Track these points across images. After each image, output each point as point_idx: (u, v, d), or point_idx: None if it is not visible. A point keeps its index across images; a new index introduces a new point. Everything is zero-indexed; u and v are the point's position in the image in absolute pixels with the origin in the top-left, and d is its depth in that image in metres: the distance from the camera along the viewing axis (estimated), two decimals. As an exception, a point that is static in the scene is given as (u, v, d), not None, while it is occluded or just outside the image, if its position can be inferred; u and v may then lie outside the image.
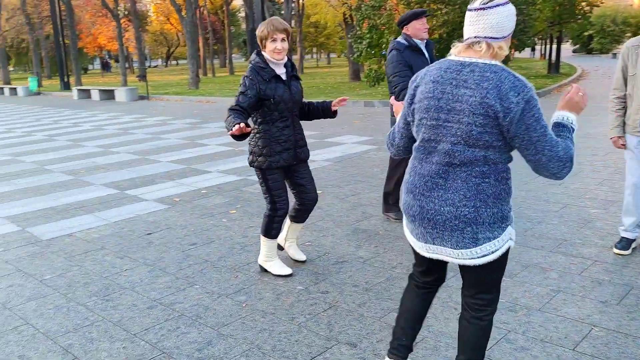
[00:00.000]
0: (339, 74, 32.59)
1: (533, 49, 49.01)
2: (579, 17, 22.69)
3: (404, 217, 2.33)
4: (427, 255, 2.29)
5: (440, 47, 13.71)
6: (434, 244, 2.22)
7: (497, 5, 2.05)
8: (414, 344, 2.58)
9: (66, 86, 30.30)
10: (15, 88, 29.99)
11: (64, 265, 4.30)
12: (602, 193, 5.69)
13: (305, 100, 3.87)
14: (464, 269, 2.26)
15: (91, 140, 11.15)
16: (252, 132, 3.73)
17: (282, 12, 23.55)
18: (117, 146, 10.24)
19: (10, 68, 64.87)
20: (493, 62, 2.08)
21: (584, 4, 22.33)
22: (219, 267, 4.13)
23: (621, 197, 5.41)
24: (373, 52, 15.31)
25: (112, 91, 22.98)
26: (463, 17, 8.76)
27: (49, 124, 14.79)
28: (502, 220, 2.13)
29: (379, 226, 4.94)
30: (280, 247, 4.19)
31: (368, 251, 4.34)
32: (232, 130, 3.11)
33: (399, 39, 4.69)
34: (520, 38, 15.60)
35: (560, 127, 2.17)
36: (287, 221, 4.09)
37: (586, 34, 48.96)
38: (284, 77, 3.68)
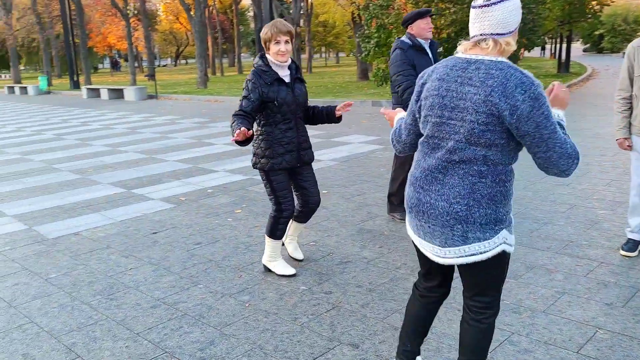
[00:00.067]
0: (347, 73, 32.57)
1: (543, 48, 48.76)
2: (589, 16, 22.54)
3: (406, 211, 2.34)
4: (420, 248, 2.31)
5: (448, 47, 13.66)
6: (424, 239, 2.24)
7: (501, 1, 2.03)
8: (420, 347, 2.58)
9: (76, 85, 30.50)
10: (25, 87, 30.21)
11: (70, 264, 4.32)
12: (609, 194, 5.65)
13: (310, 104, 3.83)
14: (461, 268, 2.25)
15: (99, 139, 11.21)
16: (255, 134, 3.75)
17: (291, 11, 23.54)
18: (125, 145, 10.29)
19: (21, 67, 65.43)
20: (500, 59, 2.06)
21: (594, 2, 22.18)
22: (223, 267, 4.14)
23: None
24: (381, 51, 15.27)
25: (121, 90, 23.10)
26: (471, 16, 8.68)
27: (58, 122, 14.88)
28: (496, 223, 2.10)
29: (384, 226, 4.92)
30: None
31: (372, 251, 4.33)
32: (233, 136, 3.15)
33: (403, 38, 4.67)
34: (529, 37, 15.50)
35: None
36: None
37: (597, 33, 48.65)
38: (287, 79, 3.68)
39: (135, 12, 42.14)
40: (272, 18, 25.87)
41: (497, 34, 2.05)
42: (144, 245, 4.68)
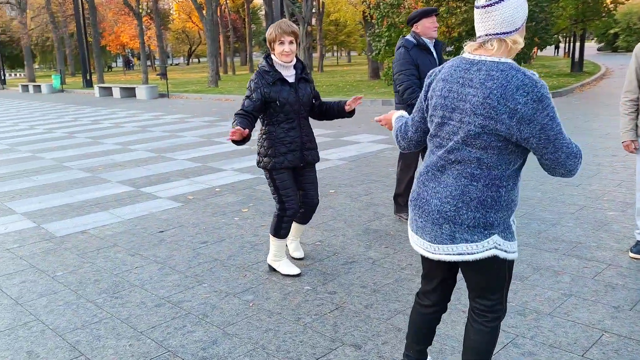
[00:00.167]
0: (358, 72, 32.52)
1: (557, 47, 48.37)
2: (604, 14, 22.30)
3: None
4: (412, 243, 2.31)
5: (459, 46, 13.59)
6: (416, 234, 2.25)
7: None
8: (424, 357, 2.57)
9: (89, 84, 30.74)
10: (39, 85, 30.49)
11: (76, 262, 4.35)
12: (620, 195, 5.58)
13: (322, 99, 3.85)
14: (462, 268, 2.23)
15: (110, 138, 11.28)
16: (259, 133, 3.77)
17: (302, 10, 23.52)
18: (135, 144, 10.34)
19: (36, 66, 66.07)
20: (502, 59, 2.02)
21: (608, 1, 21.94)
22: (228, 266, 4.14)
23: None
24: (392, 50, 15.23)
25: (132, 89, 23.24)
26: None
27: (70, 121, 15.00)
28: (485, 227, 2.08)
29: (390, 226, 4.90)
30: None
31: (378, 252, 4.31)
32: (229, 136, 3.20)
33: (408, 36, 4.65)
34: (542, 36, 15.38)
35: None
36: None
37: (611, 31, 48.15)
38: (291, 79, 3.68)
39: (148, 11, 42.35)
40: (283, 17, 25.84)
41: (503, 33, 2.02)
42: (151, 243, 4.70)
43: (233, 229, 5.01)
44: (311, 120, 12.33)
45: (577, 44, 24.33)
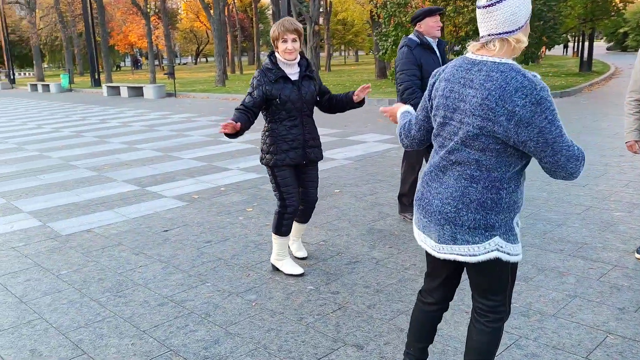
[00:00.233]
0: (365, 71, 32.48)
1: (566, 47, 48.09)
2: (613, 13, 22.14)
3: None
4: (418, 240, 2.31)
5: (466, 45, 13.54)
6: (423, 232, 2.25)
7: None
8: (425, 357, 2.56)
9: (97, 83, 30.88)
10: (48, 85, 30.66)
11: (81, 260, 4.36)
12: (627, 195, 5.54)
13: (332, 93, 3.89)
14: (466, 269, 2.23)
15: (117, 137, 11.32)
16: (262, 130, 3.80)
17: (309, 9, 23.49)
18: (141, 143, 10.38)
19: (45, 65, 66.47)
20: (503, 60, 2.00)
21: (617, 0, 21.78)
22: (232, 265, 4.14)
23: (647, 200, 5.25)
24: (398, 49, 15.21)
25: (140, 88, 23.32)
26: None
27: (78, 120, 15.07)
28: (486, 229, 2.06)
29: (394, 226, 4.89)
30: None
31: (382, 252, 4.30)
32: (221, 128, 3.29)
33: (411, 35, 4.62)
34: (550, 35, 15.29)
35: None
36: None
37: (621, 30, 47.84)
38: (294, 77, 3.69)
39: (156, 10, 42.49)
40: (290, 16, 25.80)
41: (506, 32, 2.00)
42: (155, 242, 4.71)
43: (237, 228, 5.01)
44: (317, 119, 12.33)
45: (586, 43, 24.17)
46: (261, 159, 3.80)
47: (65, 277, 4.05)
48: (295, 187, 3.79)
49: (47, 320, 3.39)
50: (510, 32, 1.99)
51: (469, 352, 2.31)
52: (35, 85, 31.96)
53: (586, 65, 23.88)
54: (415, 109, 4.60)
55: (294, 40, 3.59)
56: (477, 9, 2.06)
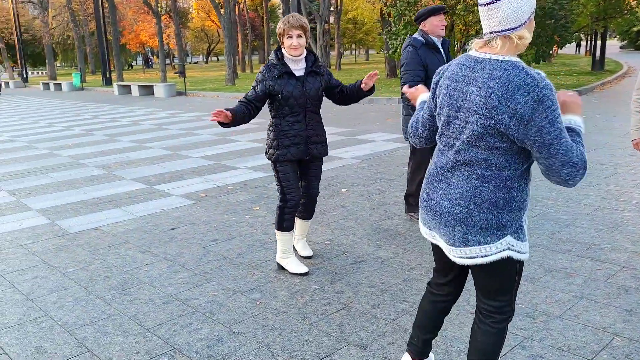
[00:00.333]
0: (376, 70, 32.37)
1: (578, 45, 47.65)
2: (626, 12, 21.91)
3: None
4: (429, 239, 2.30)
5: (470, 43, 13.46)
6: (433, 231, 2.25)
7: None
8: (428, 349, 2.56)
9: (108, 82, 31.06)
10: (60, 83, 30.90)
11: (88, 258, 4.38)
12: (637, 195, 5.47)
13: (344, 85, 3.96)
14: (472, 270, 2.21)
15: (127, 135, 11.38)
16: (268, 125, 3.86)
17: (319, 8, 23.49)
18: (150, 141, 10.42)
19: (57, 64, 66.99)
20: (507, 58, 1.98)
21: (630, -2, 21.56)
22: (237, 264, 4.14)
23: (657, 200, 5.19)
24: (408, 48, 15.14)
25: (151, 87, 23.44)
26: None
27: (88, 118, 15.17)
28: (498, 228, 2.04)
29: (401, 226, 4.87)
30: None
31: (388, 251, 4.28)
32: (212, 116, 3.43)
33: (416, 35, 4.60)
34: (561, 34, 15.15)
35: (570, 131, 2.03)
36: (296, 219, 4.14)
37: (634, 29, 47.32)
38: (299, 73, 3.70)
39: (167, 9, 42.66)
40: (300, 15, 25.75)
41: (508, 29, 1.97)
42: (161, 241, 4.73)
43: (244, 227, 5.02)
44: (326, 117, 12.31)
45: (599, 42, 23.94)
46: (265, 153, 3.87)
47: (72, 274, 4.07)
48: (296, 182, 3.82)
49: (53, 317, 3.41)
50: (512, 29, 1.97)
51: (473, 353, 2.29)
52: (48, 83, 32.23)
53: (598, 64, 23.64)
54: (414, 110, 4.61)
55: (299, 36, 3.61)
56: (478, 6, 2.04)
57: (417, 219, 4.96)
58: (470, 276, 3.73)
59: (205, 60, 73.79)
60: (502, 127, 1.93)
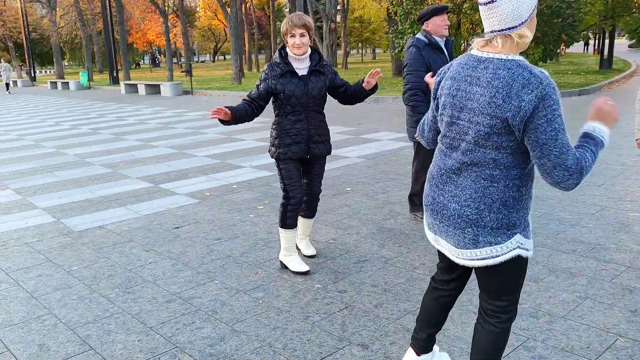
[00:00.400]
0: (382, 69, 32.33)
1: (586, 44, 47.39)
2: (634, 10, 21.76)
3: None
4: (433, 244, 2.29)
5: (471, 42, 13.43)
6: (440, 236, 2.23)
7: None
8: (432, 343, 2.57)
9: (115, 81, 31.17)
10: (67, 82, 31.05)
11: (92, 256, 4.40)
12: (644, 195, 5.43)
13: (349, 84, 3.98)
14: (476, 270, 2.20)
15: (133, 134, 11.42)
16: (272, 123, 3.88)
17: (325, 7, 23.47)
18: (156, 140, 10.45)
19: (65, 63, 67.30)
20: (510, 56, 1.97)
21: (639, -4, 21.40)
22: (241, 263, 4.14)
23: (664, 200, 5.15)
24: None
25: (157, 86, 23.50)
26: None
27: (95, 117, 15.22)
28: (508, 227, 2.04)
29: (405, 225, 4.86)
30: None
31: (391, 251, 4.27)
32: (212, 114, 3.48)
33: (419, 35, 4.58)
34: (569, 33, 15.06)
35: (586, 137, 1.98)
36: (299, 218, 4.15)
37: (643, 28, 46.94)
38: (302, 72, 3.71)
39: (174, 8, 42.76)
40: (306, 14, 25.71)
41: (508, 28, 1.96)
42: (166, 239, 4.74)
43: (247, 226, 5.02)
44: (332, 116, 12.30)
45: (607, 41, 23.79)
46: (269, 151, 3.90)
47: (76, 272, 4.09)
48: (299, 180, 3.83)
49: (57, 315, 3.42)
50: (512, 27, 1.96)
51: (476, 353, 2.28)
52: (55, 82, 32.40)
53: (606, 63, 23.49)
54: (413, 111, 4.61)
55: (301, 35, 3.62)
56: (479, 5, 2.03)
57: (422, 218, 4.95)
58: (473, 275, 3.72)
59: (212, 59, 73.92)
60: (508, 125, 1.92)
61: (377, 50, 66.68)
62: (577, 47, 52.26)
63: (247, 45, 42.18)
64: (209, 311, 3.40)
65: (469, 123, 2.02)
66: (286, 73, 3.67)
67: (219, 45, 67.66)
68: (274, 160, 3.91)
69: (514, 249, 2.06)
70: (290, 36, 3.63)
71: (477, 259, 2.10)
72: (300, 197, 3.83)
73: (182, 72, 22.66)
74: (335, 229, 4.82)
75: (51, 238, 4.89)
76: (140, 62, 71.48)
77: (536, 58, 15.13)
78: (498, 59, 1.98)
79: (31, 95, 27.73)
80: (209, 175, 7.15)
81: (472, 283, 3.62)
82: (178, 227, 5.05)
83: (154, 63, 60.97)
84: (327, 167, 7.33)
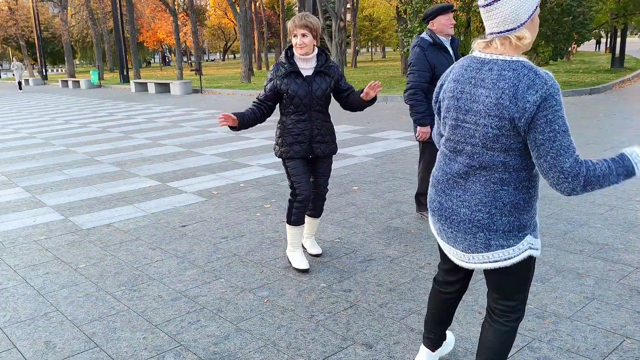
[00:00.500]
0: (391, 68, 32.28)
1: (598, 42, 47.04)
2: (646, 8, 21.54)
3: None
4: (444, 251, 2.29)
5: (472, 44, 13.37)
6: (447, 243, 2.21)
7: None
8: (444, 337, 2.60)
9: (125, 79, 31.33)
10: (78, 81, 31.25)
11: (99, 254, 4.43)
12: (653, 195, 5.38)
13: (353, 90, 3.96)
14: (485, 272, 2.19)
15: (142, 133, 11.47)
16: (277, 122, 3.91)
17: (334, 6, 23.43)
18: (165, 139, 10.49)
19: (77, 61, 67.74)
20: (514, 58, 1.96)
21: (651, -6, 21.17)
22: (246, 261, 4.15)
23: (674, 201, 5.09)
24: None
25: (167, 84, 23.60)
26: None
27: (105, 116, 15.31)
28: (520, 229, 2.03)
29: (411, 224, 4.84)
30: None
31: (397, 250, 4.26)
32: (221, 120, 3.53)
33: (424, 35, 4.55)
34: (579, 31, 14.96)
35: (619, 156, 1.94)
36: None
37: (656, 26, 46.54)
38: (307, 72, 3.71)
39: (184, 7, 42.91)
40: (315, 13, 25.83)
41: (506, 31, 1.95)
42: (172, 238, 4.75)
43: (254, 224, 5.03)
44: (341, 115, 12.29)
45: (618, 39, 23.58)
46: (274, 149, 3.94)
47: (83, 270, 4.11)
48: (305, 177, 3.84)
49: (63, 312, 3.45)
50: (510, 30, 1.95)
51: (483, 352, 2.27)
52: (66, 81, 32.61)
53: (618, 61, 23.29)
54: (412, 110, 4.57)
55: (303, 35, 3.63)
56: (479, 7, 2.02)
57: (428, 217, 4.93)
58: (476, 275, 3.70)
59: (222, 57, 74.10)
60: (515, 127, 1.91)
61: (387, 49, 66.56)
62: (589, 46, 51.85)
63: (256, 43, 42.25)
64: (214, 309, 3.41)
65: (475, 125, 2.00)
66: (290, 73, 3.68)
67: (228, 44, 67.79)
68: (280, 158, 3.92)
69: (525, 250, 2.06)
70: (293, 36, 3.66)
71: (489, 262, 2.09)
72: (307, 194, 3.83)
73: (191, 70, 22.73)
74: (341, 228, 4.81)
75: (59, 236, 4.92)
76: (150, 61, 71.79)
77: (546, 57, 15.03)
78: (502, 60, 1.97)
79: (42, 93, 27.93)
80: (217, 174, 7.17)
81: (477, 283, 3.60)
82: (185, 226, 5.07)
83: (165, 62, 61.22)
84: (334, 166, 7.33)
